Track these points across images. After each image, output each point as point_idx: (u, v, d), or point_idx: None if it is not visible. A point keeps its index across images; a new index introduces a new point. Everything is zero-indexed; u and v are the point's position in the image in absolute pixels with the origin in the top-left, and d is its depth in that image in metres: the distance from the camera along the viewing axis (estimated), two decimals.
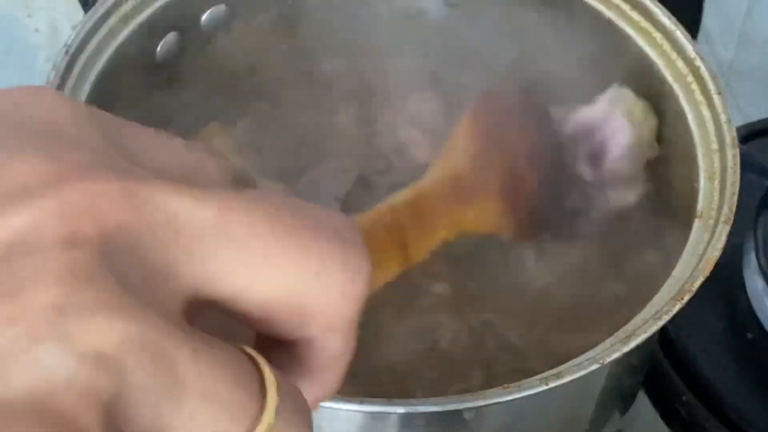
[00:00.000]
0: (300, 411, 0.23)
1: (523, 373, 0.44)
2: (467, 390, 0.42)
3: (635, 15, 0.55)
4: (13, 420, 0.19)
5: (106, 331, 0.20)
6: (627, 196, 0.54)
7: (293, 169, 0.58)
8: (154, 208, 0.21)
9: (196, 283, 0.22)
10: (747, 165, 0.50)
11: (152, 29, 0.54)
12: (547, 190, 0.51)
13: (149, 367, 0.20)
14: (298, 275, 0.23)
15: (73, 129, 0.22)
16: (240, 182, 0.24)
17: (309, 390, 0.24)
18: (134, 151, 0.23)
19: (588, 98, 0.57)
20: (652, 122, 0.54)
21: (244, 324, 0.23)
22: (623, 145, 0.52)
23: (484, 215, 0.49)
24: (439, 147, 0.58)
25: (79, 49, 0.51)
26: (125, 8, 0.53)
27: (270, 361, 0.23)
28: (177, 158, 0.24)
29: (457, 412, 0.43)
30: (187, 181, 0.22)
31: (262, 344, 0.23)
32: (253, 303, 0.22)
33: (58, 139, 0.22)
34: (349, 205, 0.57)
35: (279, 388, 0.22)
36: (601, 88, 0.55)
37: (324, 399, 0.25)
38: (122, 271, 0.21)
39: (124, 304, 0.20)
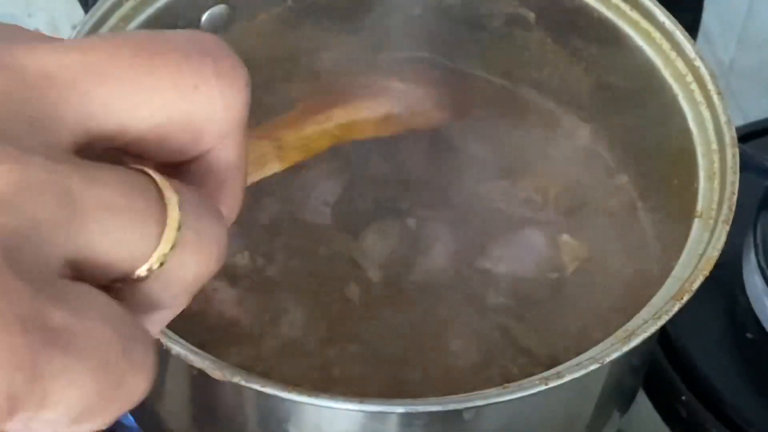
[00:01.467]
0: (206, 206, 0.24)
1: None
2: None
3: (635, 15, 0.55)
4: None
5: None
6: None
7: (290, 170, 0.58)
8: (19, 64, 0.22)
9: (80, 123, 0.23)
10: (747, 165, 0.50)
11: (152, 29, 0.54)
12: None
13: (42, 200, 0.21)
14: (178, 93, 0.24)
15: None
16: None
17: None
18: None
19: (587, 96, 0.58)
20: None
21: (141, 157, 0.24)
22: None
23: (363, 108, 0.55)
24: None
25: None
26: (125, 8, 0.53)
27: None
28: (29, 31, 0.25)
29: (457, 412, 0.42)
30: (42, 40, 0.24)
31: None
32: (142, 129, 0.24)
33: None
34: (339, 209, 0.57)
35: (174, 188, 0.23)
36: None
37: (228, 219, 0.26)
38: None
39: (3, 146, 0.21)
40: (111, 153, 0.24)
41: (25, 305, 0.20)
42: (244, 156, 0.26)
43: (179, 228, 0.23)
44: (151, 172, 0.23)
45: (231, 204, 0.26)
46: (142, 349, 0.22)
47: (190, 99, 0.24)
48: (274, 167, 0.51)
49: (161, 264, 0.23)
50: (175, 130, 0.24)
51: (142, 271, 0.23)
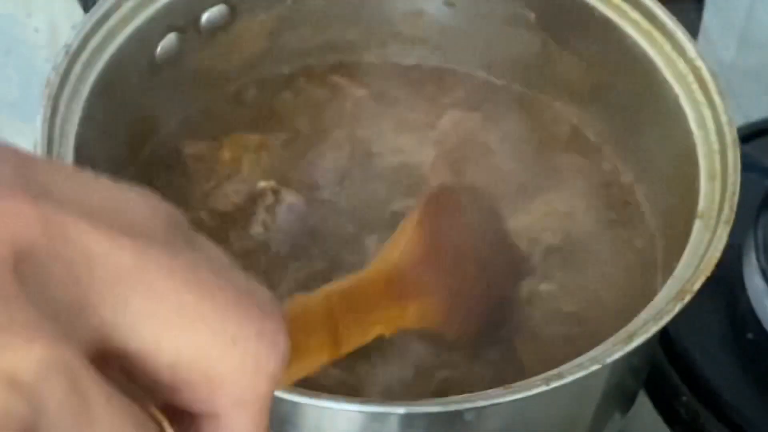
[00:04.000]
0: None
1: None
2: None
3: (636, 15, 0.55)
4: None
5: (23, 354, 0.19)
6: None
7: (294, 169, 0.57)
8: (67, 241, 0.20)
9: (104, 330, 0.21)
10: (748, 165, 0.50)
11: (152, 30, 0.54)
12: (491, 292, 0.50)
13: (65, 402, 0.19)
14: (213, 338, 0.22)
15: None
16: (177, 230, 0.23)
17: None
18: (49, 185, 0.21)
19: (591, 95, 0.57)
20: None
21: (148, 392, 0.22)
22: None
23: (423, 314, 0.45)
24: (434, 147, 0.58)
25: (79, 50, 0.50)
26: (125, 8, 0.52)
27: None
28: (98, 195, 0.22)
29: (458, 413, 0.42)
30: (106, 220, 0.21)
31: (166, 416, 0.22)
32: (160, 363, 0.21)
33: None
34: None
35: None
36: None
37: None
38: (34, 298, 0.19)
39: (41, 326, 0.19)
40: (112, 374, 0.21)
41: None
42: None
43: None
44: (165, 425, 0.21)
45: None
46: None
47: (221, 349, 0.22)
48: (321, 363, 0.37)
49: None
50: (192, 378, 0.22)
51: None
